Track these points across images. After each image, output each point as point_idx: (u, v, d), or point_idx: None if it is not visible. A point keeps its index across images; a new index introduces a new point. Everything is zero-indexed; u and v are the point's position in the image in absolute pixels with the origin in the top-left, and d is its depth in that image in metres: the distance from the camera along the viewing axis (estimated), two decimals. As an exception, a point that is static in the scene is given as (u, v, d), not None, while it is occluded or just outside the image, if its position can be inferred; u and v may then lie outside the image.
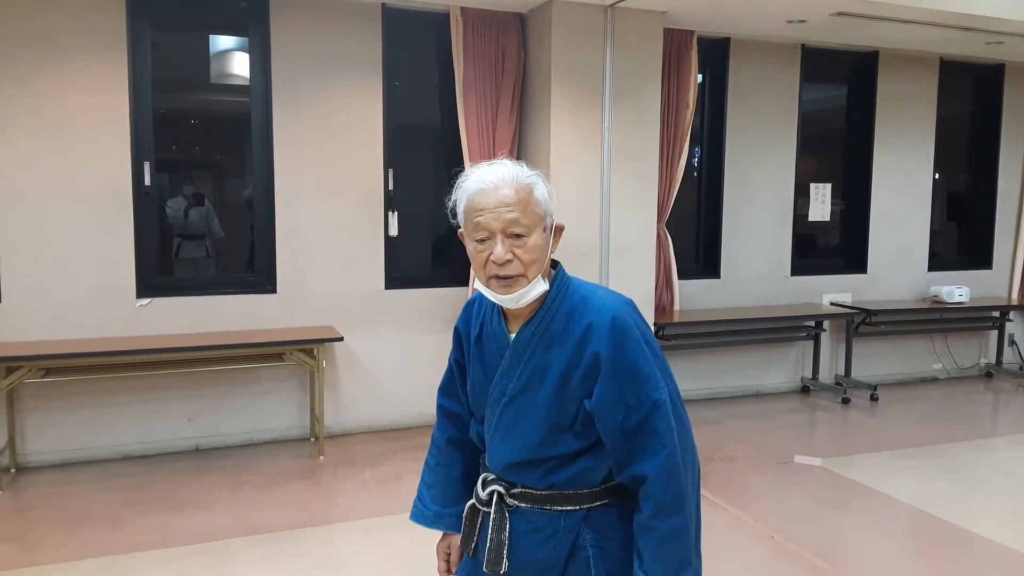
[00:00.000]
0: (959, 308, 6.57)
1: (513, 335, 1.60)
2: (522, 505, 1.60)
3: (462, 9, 4.95)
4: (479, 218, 1.50)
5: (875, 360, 6.67)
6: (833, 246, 6.82)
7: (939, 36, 5.86)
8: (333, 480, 4.40)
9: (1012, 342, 7.19)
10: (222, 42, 5.07)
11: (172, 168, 5.02)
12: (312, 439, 5.04)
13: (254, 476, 4.42)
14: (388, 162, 5.13)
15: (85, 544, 3.55)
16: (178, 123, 5.03)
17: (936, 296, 6.68)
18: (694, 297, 6.02)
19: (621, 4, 4.89)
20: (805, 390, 6.42)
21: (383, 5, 5.00)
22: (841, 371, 6.50)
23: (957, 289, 6.55)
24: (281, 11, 4.81)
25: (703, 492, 1.63)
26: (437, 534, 1.83)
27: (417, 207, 5.34)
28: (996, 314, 6.96)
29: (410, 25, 5.14)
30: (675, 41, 5.49)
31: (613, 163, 5.06)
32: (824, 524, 3.88)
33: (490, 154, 4.97)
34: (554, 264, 1.61)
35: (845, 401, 6.09)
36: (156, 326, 4.68)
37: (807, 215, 6.44)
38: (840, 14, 5.18)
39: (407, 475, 4.43)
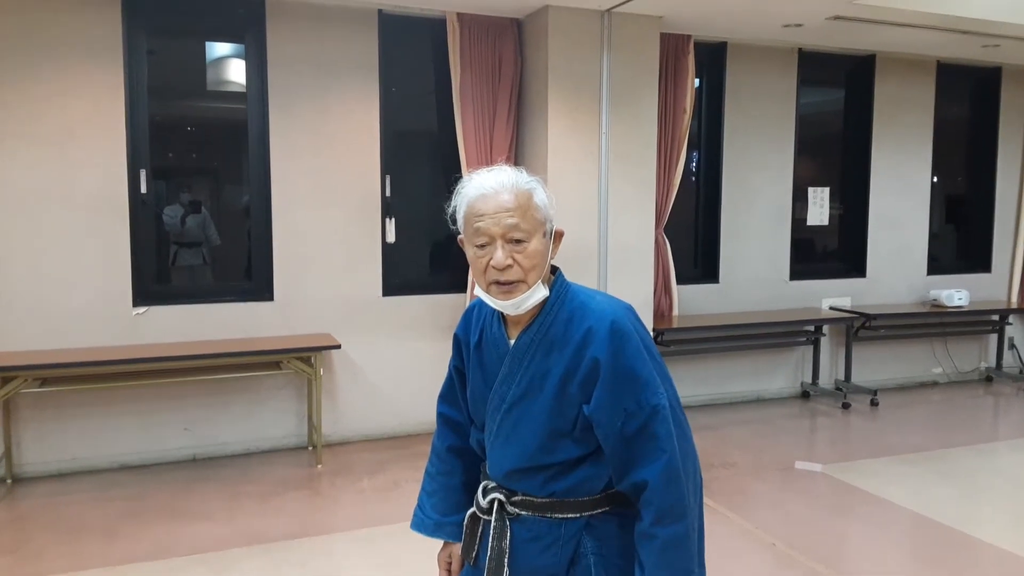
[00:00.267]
0: (958, 312, 6.57)
1: (513, 341, 1.59)
2: (523, 513, 1.58)
3: (459, 15, 4.95)
4: (479, 223, 1.50)
5: (875, 365, 6.66)
6: (832, 250, 6.81)
7: (936, 39, 5.87)
8: (331, 489, 4.37)
9: (1012, 345, 7.19)
10: (218, 49, 5.06)
11: (169, 175, 5.01)
12: (310, 448, 5.01)
13: (252, 485, 4.40)
14: (385, 168, 5.12)
15: (82, 555, 3.52)
16: (174, 130, 5.02)
17: (935, 300, 6.67)
18: (693, 302, 6.00)
19: (617, 9, 4.89)
20: (805, 395, 6.40)
21: (380, 11, 5.00)
22: (841, 376, 6.48)
23: (956, 293, 6.55)
24: (277, 17, 4.81)
25: (704, 499, 1.61)
26: (437, 543, 1.81)
27: (414, 213, 5.33)
28: (996, 317, 6.96)
29: (407, 31, 5.13)
30: (672, 46, 5.49)
31: (611, 168, 5.06)
32: (826, 530, 3.86)
33: (487, 160, 4.96)
34: (554, 270, 1.60)
35: (845, 406, 6.08)
36: (153, 334, 4.66)
37: (805, 219, 6.44)
38: (836, 18, 5.19)
39: (406, 484, 4.41)
